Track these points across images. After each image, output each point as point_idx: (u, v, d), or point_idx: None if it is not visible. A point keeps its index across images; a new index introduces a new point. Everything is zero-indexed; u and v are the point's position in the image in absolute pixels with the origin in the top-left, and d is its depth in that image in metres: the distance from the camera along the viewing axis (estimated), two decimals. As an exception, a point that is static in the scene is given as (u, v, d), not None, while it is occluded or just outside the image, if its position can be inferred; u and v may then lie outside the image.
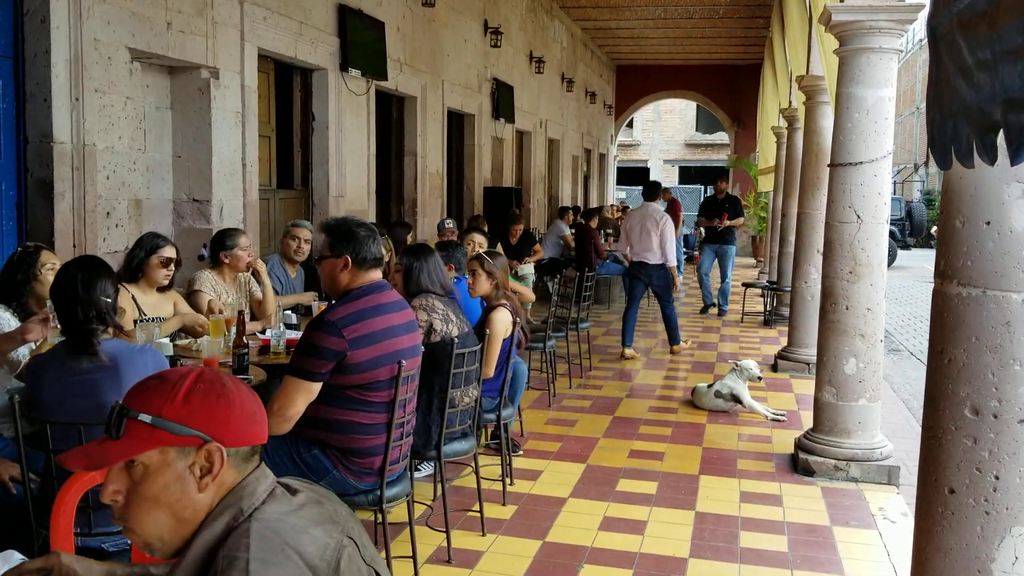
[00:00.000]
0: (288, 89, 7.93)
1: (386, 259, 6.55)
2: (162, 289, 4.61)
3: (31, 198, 4.96)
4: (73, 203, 5.05)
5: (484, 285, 4.77)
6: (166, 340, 3.73)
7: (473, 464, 4.41)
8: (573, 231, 12.96)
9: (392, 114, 10.10)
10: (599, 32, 19.66)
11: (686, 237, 21.66)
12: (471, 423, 4.26)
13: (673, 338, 9.30)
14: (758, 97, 17.91)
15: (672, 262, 8.77)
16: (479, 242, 6.37)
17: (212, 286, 5.02)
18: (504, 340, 4.67)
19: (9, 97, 4.85)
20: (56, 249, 4.93)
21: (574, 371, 7.94)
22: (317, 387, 3.28)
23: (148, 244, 4.51)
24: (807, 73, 8.09)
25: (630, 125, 32.21)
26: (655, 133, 35.08)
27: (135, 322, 3.90)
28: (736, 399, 6.73)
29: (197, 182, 6.33)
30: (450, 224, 7.87)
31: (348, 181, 8.37)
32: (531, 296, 6.45)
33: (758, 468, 5.51)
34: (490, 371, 4.61)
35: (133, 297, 4.47)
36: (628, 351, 8.98)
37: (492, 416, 4.73)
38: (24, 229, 4.98)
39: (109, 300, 2.94)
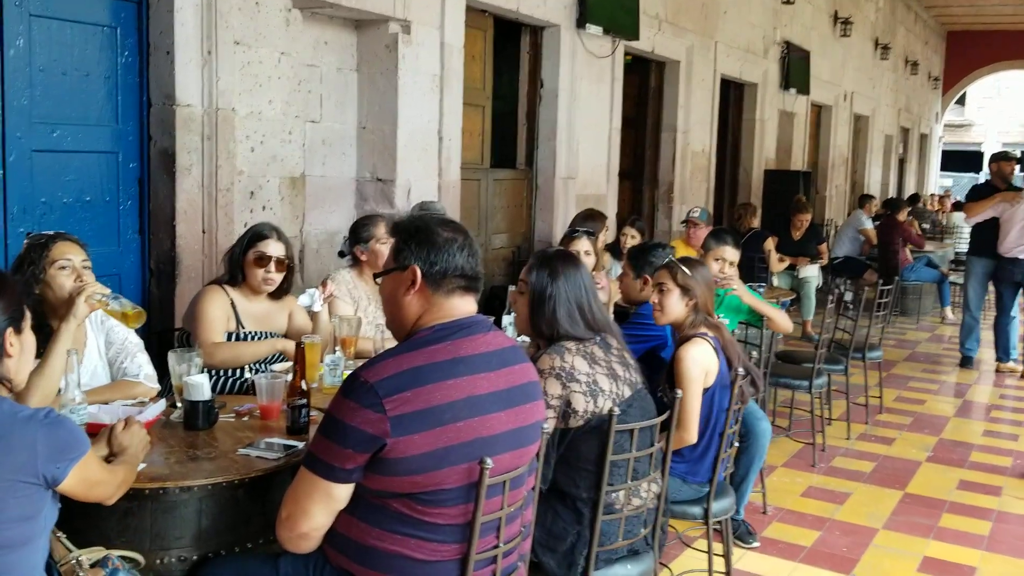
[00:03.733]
0: (514, 51, 6.71)
1: (601, 265, 5.09)
2: (277, 295, 3.53)
3: (153, 172, 4.13)
4: (202, 179, 4.15)
5: (675, 307, 3.16)
6: (200, 379, 2.63)
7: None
8: (876, 225, 10.64)
9: (650, 82, 8.59)
10: (926, -11, 16.63)
11: None
12: (649, 531, 2.75)
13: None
14: None
15: None
16: (731, 260, 4.46)
17: (349, 290, 3.90)
18: (707, 391, 3.08)
19: (131, 49, 4.03)
20: (179, 234, 4.09)
21: (856, 413, 6.03)
22: (343, 492, 1.97)
23: (247, 235, 3.45)
24: None
25: (960, 102, 27.80)
26: (993, 112, 30.13)
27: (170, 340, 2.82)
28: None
29: (382, 158, 5.30)
30: (696, 214, 6.17)
31: (581, 160, 7.02)
32: (786, 325, 4.59)
33: None
34: (690, 436, 3.04)
35: (233, 304, 3.43)
36: (1006, 365, 7.80)
37: (695, 511, 3.15)
38: (146, 209, 4.16)
39: None
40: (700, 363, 3.03)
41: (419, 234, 2.08)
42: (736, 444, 3.37)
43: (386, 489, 1.95)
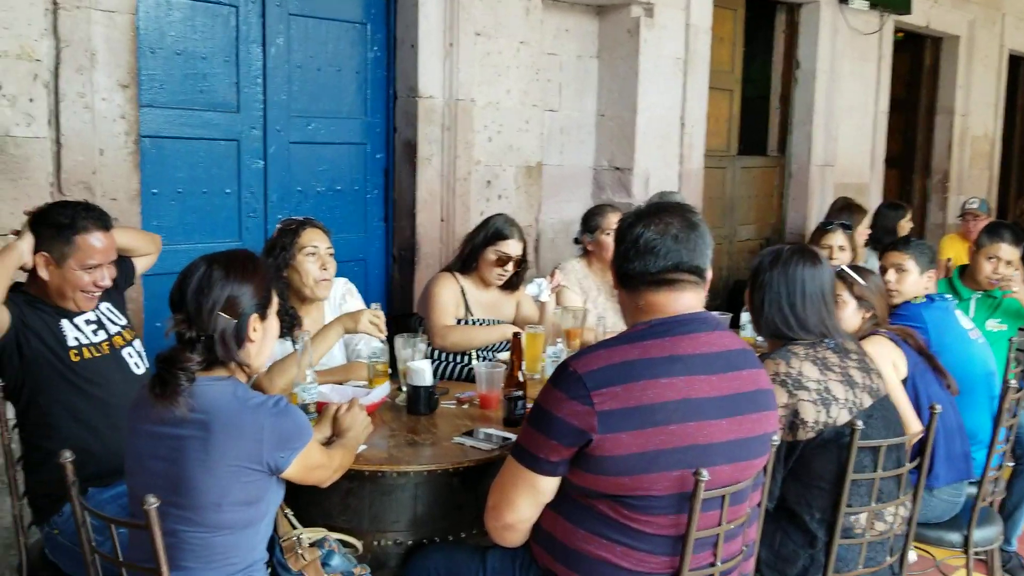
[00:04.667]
0: (768, 30, 6.33)
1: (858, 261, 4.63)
2: (507, 287, 3.54)
3: (398, 162, 4.27)
4: (442, 168, 4.25)
5: (852, 320, 2.80)
6: (423, 365, 2.64)
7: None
8: None
9: (924, 59, 7.80)
10: None
11: None
12: (896, 560, 2.43)
13: None
14: None
15: None
16: (1007, 259, 3.77)
17: (578, 280, 3.82)
18: (905, 382, 2.71)
19: (379, 44, 4.19)
20: (419, 222, 4.22)
21: None
22: (548, 484, 1.89)
23: (489, 230, 3.44)
24: None
25: None
26: None
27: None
28: None
29: (620, 146, 5.18)
30: (976, 205, 5.48)
31: (840, 145, 6.50)
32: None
33: None
34: (913, 426, 2.65)
35: (463, 290, 3.47)
36: None
37: (953, 537, 2.77)
38: (390, 198, 4.32)
39: (230, 320, 1.86)
40: (884, 356, 2.69)
41: (621, 226, 1.99)
42: (1009, 464, 2.93)
43: (591, 488, 1.84)
